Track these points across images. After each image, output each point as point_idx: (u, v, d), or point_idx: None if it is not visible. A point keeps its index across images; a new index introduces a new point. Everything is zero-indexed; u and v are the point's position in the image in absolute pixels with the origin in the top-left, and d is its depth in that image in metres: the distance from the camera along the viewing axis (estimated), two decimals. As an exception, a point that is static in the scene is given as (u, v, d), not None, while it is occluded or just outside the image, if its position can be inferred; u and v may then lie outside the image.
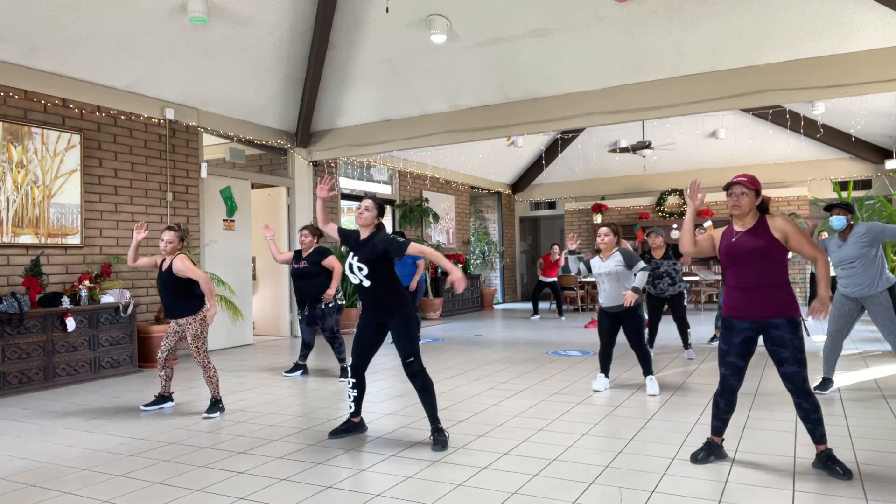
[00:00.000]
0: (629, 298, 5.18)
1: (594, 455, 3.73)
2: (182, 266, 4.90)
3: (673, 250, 7.05)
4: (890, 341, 4.91)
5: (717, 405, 3.58)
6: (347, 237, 4.18)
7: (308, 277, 6.25)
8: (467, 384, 5.90)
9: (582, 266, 5.64)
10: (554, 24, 7.24)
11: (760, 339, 3.46)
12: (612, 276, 5.33)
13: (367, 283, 4.00)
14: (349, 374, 4.17)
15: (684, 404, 4.93)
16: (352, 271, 4.04)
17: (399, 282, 4.10)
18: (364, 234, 4.09)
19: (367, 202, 4.11)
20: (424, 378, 3.98)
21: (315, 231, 6.38)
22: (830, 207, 4.97)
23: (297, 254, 6.45)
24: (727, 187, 3.45)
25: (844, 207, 4.93)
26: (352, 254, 4.08)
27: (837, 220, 4.92)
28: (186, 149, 8.19)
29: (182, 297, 4.96)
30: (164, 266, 5.04)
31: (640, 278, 5.27)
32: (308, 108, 9.20)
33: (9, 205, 6.31)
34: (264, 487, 3.33)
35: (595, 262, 5.50)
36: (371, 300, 4.05)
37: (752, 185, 3.40)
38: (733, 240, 3.43)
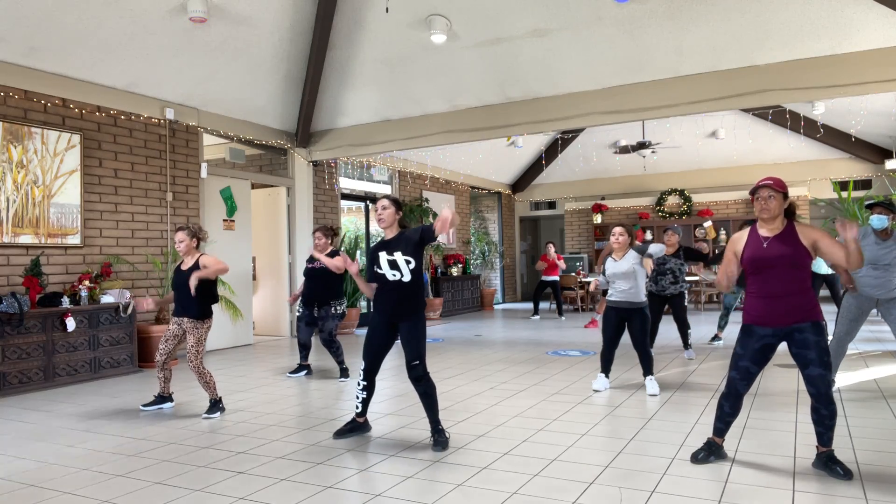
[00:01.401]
0: (647, 264, 5.28)
1: (594, 455, 3.73)
2: (209, 260, 4.94)
3: (684, 251, 7.05)
4: None
5: (721, 408, 3.55)
6: (370, 259, 4.09)
7: (322, 278, 6.28)
8: (467, 384, 5.90)
9: (601, 278, 5.64)
10: (554, 24, 7.24)
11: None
12: (630, 274, 5.33)
13: (407, 277, 3.93)
14: (360, 377, 4.13)
15: (684, 404, 4.93)
16: (395, 268, 3.94)
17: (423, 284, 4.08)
18: (390, 235, 4.05)
19: (384, 201, 4.05)
20: (428, 383, 3.97)
21: (328, 232, 6.37)
22: (872, 206, 4.78)
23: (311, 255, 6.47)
24: (753, 191, 3.37)
25: (887, 207, 4.73)
26: (385, 253, 3.99)
27: (879, 220, 4.73)
28: (186, 149, 8.19)
29: (200, 295, 4.93)
30: (186, 265, 5.01)
31: (655, 248, 5.38)
32: (308, 108, 9.20)
33: (9, 205, 6.31)
34: (264, 487, 3.33)
35: (609, 264, 5.46)
36: (400, 297, 3.96)
37: (780, 187, 3.31)
38: (764, 245, 3.33)
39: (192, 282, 4.80)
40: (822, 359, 3.23)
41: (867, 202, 4.85)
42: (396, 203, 4.11)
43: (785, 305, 3.28)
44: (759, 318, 3.34)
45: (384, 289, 4.01)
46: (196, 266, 4.94)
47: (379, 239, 4.17)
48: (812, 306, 3.30)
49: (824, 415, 3.28)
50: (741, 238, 3.46)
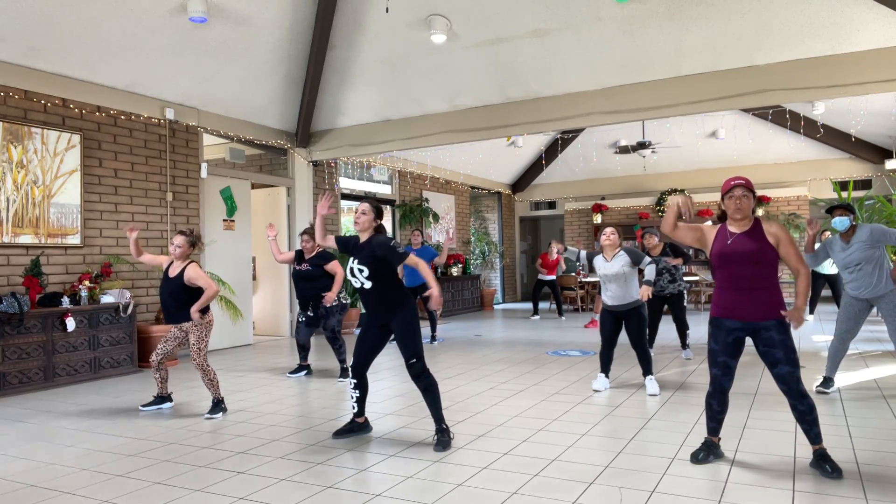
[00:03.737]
0: (645, 293, 5.25)
1: (594, 455, 3.73)
2: (195, 274, 4.91)
3: (671, 248, 7.07)
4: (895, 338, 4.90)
5: (710, 406, 3.58)
6: (346, 243, 4.18)
7: (310, 280, 6.28)
8: (467, 384, 5.90)
9: (582, 254, 5.64)
10: (554, 24, 7.24)
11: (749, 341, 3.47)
12: (620, 276, 5.34)
13: (368, 284, 3.99)
14: (350, 375, 4.17)
15: (684, 404, 4.93)
16: (353, 275, 4.03)
17: (401, 282, 4.11)
18: (363, 238, 4.10)
19: (364, 206, 4.10)
20: (428, 379, 3.98)
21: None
22: (832, 209, 4.94)
23: (299, 255, 6.45)
24: (727, 190, 3.43)
25: (846, 208, 4.90)
26: (352, 258, 4.07)
27: (840, 222, 4.88)
28: (186, 149, 8.19)
29: (186, 304, 4.93)
30: (173, 272, 5.00)
31: (650, 271, 5.37)
32: (308, 108, 9.20)
33: (9, 205, 6.31)
34: (264, 487, 3.33)
35: (599, 262, 5.48)
36: (373, 301, 4.04)
37: (751, 187, 3.42)
38: (728, 241, 3.42)
39: (195, 316, 4.85)
40: (788, 356, 3.30)
41: (828, 207, 4.96)
42: (377, 210, 4.13)
43: (751, 299, 3.35)
44: (727, 310, 3.42)
45: (360, 292, 4.10)
46: (181, 274, 4.92)
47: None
48: (778, 303, 3.36)
49: (802, 410, 3.32)
50: (713, 230, 3.55)
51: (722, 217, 3.57)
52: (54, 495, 3.29)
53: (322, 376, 6.50)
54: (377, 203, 4.17)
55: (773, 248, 3.36)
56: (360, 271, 3.99)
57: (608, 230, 5.48)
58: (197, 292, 4.95)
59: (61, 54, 6.58)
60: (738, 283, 3.37)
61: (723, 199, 3.47)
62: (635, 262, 5.37)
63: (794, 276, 3.40)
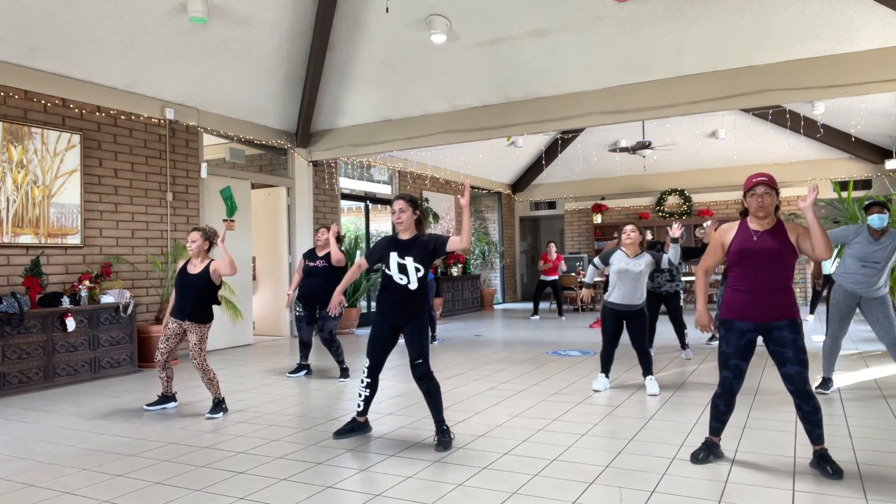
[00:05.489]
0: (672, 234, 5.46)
1: (594, 455, 3.73)
2: (222, 264, 4.88)
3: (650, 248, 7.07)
4: (886, 342, 4.90)
5: (716, 407, 3.57)
6: (379, 250, 4.09)
7: (321, 276, 6.28)
8: (467, 384, 5.90)
9: (596, 260, 5.60)
10: (554, 24, 7.24)
11: (759, 339, 3.46)
12: (639, 275, 5.31)
13: (414, 285, 3.94)
14: (365, 375, 4.12)
15: (684, 404, 4.93)
16: (403, 272, 3.95)
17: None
18: (405, 236, 4.05)
19: (400, 203, 4.02)
20: (431, 381, 3.97)
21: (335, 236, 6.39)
22: (869, 206, 4.82)
23: (311, 252, 6.45)
24: (749, 187, 3.36)
25: (884, 206, 4.79)
26: (397, 254, 3.98)
27: (880, 219, 4.76)
28: (186, 149, 8.19)
29: (206, 303, 4.94)
30: (193, 269, 4.98)
31: (672, 253, 5.45)
32: (308, 108, 9.20)
33: (9, 205, 6.31)
34: (264, 487, 3.33)
35: (620, 258, 5.38)
36: (408, 301, 3.96)
37: (774, 184, 3.35)
38: (754, 238, 3.35)
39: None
40: (798, 356, 3.28)
41: (865, 203, 4.89)
42: (413, 203, 4.07)
43: (766, 300, 3.31)
44: (740, 312, 3.38)
45: (388, 290, 4.02)
46: (206, 272, 4.91)
47: (391, 235, 4.17)
48: (792, 304, 3.34)
49: (807, 411, 3.31)
50: (730, 229, 3.49)
51: (743, 214, 3.51)
52: (54, 495, 3.29)
53: (322, 376, 6.50)
54: (412, 197, 4.09)
55: (794, 249, 3.31)
56: (417, 270, 3.94)
57: (628, 228, 5.42)
58: (213, 289, 4.95)
59: (61, 54, 6.58)
60: (757, 282, 3.32)
61: (745, 196, 3.40)
62: (657, 263, 5.38)
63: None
